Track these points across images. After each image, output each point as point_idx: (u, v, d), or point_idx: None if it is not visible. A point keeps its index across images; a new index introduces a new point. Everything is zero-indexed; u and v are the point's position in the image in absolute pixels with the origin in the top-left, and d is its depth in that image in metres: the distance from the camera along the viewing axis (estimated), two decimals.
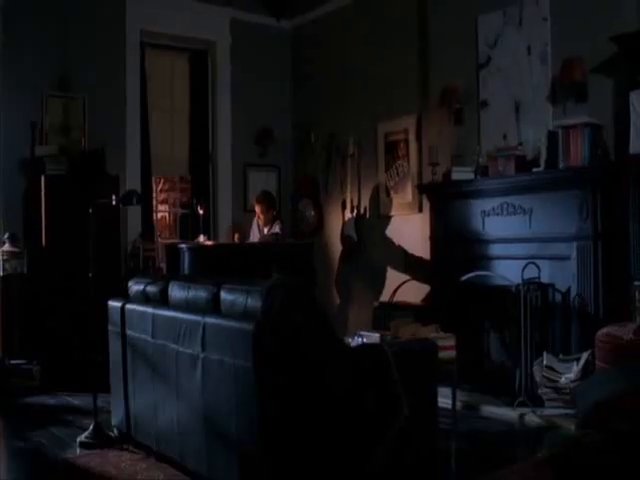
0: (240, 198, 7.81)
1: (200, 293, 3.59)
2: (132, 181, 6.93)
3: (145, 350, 3.93)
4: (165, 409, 3.74)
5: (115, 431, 4.35)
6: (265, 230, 6.73)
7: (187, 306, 3.67)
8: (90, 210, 4.45)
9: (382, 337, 4.31)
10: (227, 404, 3.17)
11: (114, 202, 4.58)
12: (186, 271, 5.83)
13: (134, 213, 6.94)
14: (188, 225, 7.64)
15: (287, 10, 5.80)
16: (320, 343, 2.97)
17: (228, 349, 3.16)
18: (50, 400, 5.54)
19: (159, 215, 8.17)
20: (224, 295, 3.39)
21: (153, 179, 7.56)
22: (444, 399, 4.65)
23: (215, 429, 3.29)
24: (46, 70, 6.62)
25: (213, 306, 3.44)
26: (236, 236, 6.87)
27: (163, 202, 8.38)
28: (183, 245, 6.10)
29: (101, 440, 4.24)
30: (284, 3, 5.61)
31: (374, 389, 3.08)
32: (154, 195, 7.71)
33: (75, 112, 6.76)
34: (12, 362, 5.89)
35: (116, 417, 4.33)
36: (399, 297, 6.35)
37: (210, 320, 3.33)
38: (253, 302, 3.16)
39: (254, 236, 6.86)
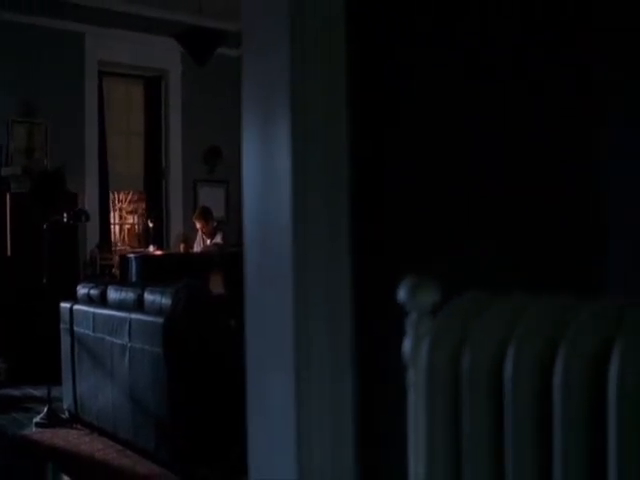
0: (190, 211, 8.55)
1: (130, 294, 4.39)
2: (90, 197, 7.70)
3: (88, 343, 4.73)
4: (103, 391, 4.53)
5: (66, 413, 5.13)
6: (208, 241, 7.49)
7: (120, 305, 4.47)
8: (45, 226, 5.23)
9: None
10: (146, 384, 3.98)
11: (65, 219, 5.36)
12: (134, 278, 6.61)
13: (92, 226, 7.67)
14: (144, 235, 8.41)
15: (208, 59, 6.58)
16: (215, 332, 3.78)
17: (148, 339, 3.97)
18: (14, 392, 6.28)
19: (128, 225, 8.94)
20: (147, 295, 4.20)
21: (115, 194, 8.34)
22: None
23: (138, 405, 4.09)
24: (12, 98, 7.37)
25: (138, 304, 4.25)
26: (182, 246, 7.61)
27: (132, 212, 9.09)
28: (131, 255, 6.88)
29: (53, 421, 5.01)
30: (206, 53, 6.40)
31: None
32: (111, 209, 8.47)
33: (38, 136, 7.52)
34: None
35: (66, 401, 5.11)
36: None
37: (135, 316, 4.14)
38: (166, 301, 3.97)
39: (199, 246, 7.61)
